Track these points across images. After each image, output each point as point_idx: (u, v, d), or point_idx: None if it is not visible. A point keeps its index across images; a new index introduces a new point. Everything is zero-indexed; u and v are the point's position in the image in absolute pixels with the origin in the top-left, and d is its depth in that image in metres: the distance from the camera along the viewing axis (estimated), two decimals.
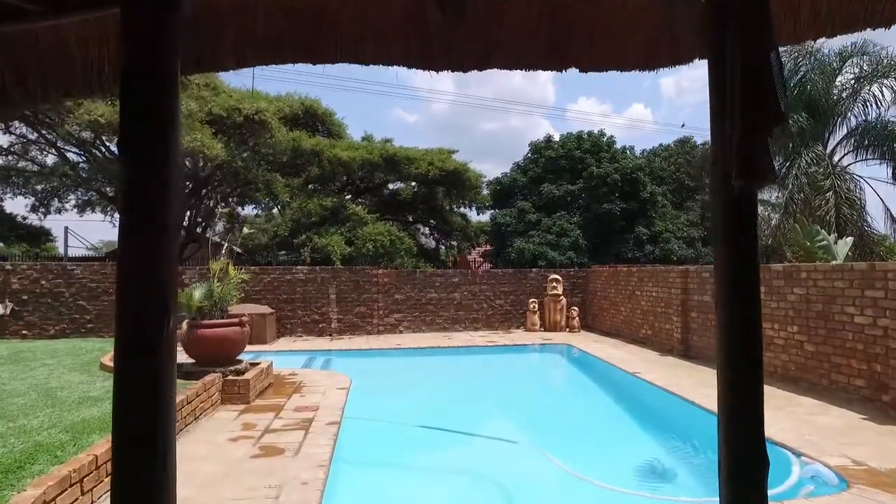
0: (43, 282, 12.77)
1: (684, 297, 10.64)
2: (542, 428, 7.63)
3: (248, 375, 7.18)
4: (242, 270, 7.99)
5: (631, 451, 6.38)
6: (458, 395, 9.55)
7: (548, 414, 8.27)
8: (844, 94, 18.52)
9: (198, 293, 7.49)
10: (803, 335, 7.58)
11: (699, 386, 7.85)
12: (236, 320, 7.47)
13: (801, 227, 10.35)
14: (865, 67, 17.73)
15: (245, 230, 8.67)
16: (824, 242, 9.96)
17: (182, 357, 7.66)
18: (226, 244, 8.51)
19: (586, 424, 7.78)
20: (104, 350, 10.14)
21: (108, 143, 19.97)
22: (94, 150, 20.32)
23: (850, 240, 11.04)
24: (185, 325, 7.32)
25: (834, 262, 7.32)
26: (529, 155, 26.35)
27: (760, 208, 33.35)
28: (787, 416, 6.22)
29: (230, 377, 7.13)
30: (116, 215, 24.36)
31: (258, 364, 7.98)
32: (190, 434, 5.63)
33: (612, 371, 9.70)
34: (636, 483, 5.21)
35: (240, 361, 7.77)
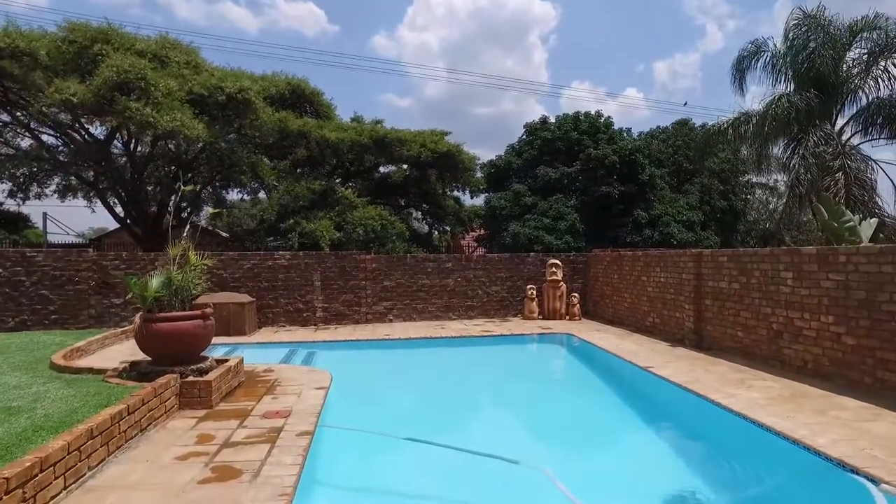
0: (0, 270, 11.76)
1: (697, 282, 9.77)
2: (545, 439, 6.76)
3: (210, 376, 6.26)
4: (207, 255, 7.00)
5: (651, 469, 5.49)
6: (450, 396, 8.66)
7: (551, 421, 7.38)
8: (855, 70, 17.58)
9: (155, 282, 6.53)
10: (841, 326, 6.72)
11: (723, 384, 6.98)
12: (198, 312, 6.53)
13: (826, 206, 9.47)
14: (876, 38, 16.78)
15: (210, 209, 7.63)
16: (851, 223, 9.11)
17: (139, 355, 6.76)
18: (188, 226, 7.54)
19: (595, 433, 6.91)
20: (63, 344, 9.22)
21: (86, 126, 18.91)
22: (71, 133, 19.26)
23: (874, 221, 10.20)
24: (137, 318, 6.38)
25: (882, 245, 6.42)
26: (524, 136, 25.41)
27: (759, 191, 32.83)
28: (833, 422, 5.36)
29: (190, 378, 6.22)
30: (98, 201, 23.36)
31: (226, 361, 7.07)
32: (131, 451, 4.71)
33: (621, 365, 8.83)
34: None
35: (204, 359, 6.85)
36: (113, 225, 24.11)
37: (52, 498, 3.65)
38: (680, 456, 5.75)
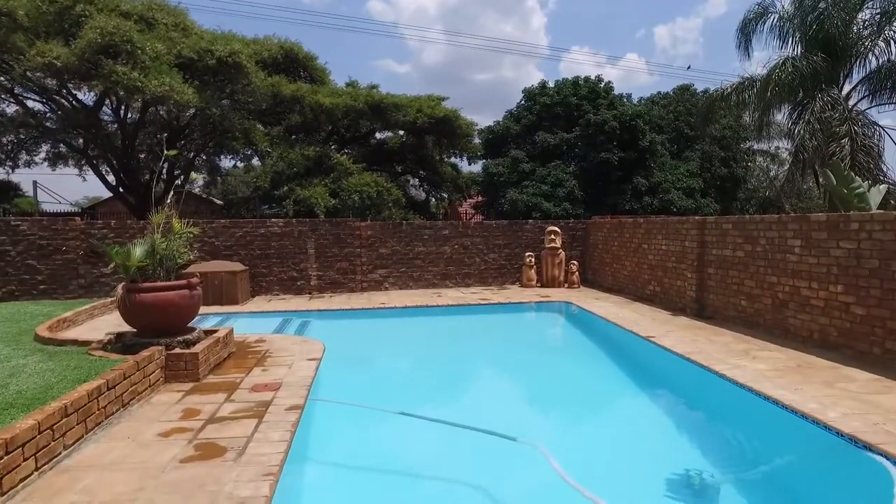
0: None
1: (701, 250, 9.52)
2: (543, 412, 6.59)
3: (197, 348, 6.04)
4: (192, 223, 6.72)
5: (653, 444, 5.31)
6: (446, 366, 8.48)
7: (549, 392, 7.21)
8: (866, 32, 17.03)
9: (139, 250, 6.25)
10: (850, 296, 6.49)
11: (727, 354, 6.78)
12: (184, 282, 6.27)
13: (834, 172, 9.15)
14: None
15: (192, 174, 7.30)
16: (860, 190, 8.81)
17: (126, 327, 6.52)
18: (172, 191, 7.23)
19: (594, 405, 6.74)
20: (51, 315, 9.00)
21: (73, 92, 18.34)
22: (58, 99, 18.69)
23: (883, 188, 9.87)
24: (120, 288, 6.12)
25: None
26: (523, 102, 24.88)
27: (759, 158, 32.41)
28: (842, 395, 5.16)
29: (176, 350, 5.99)
30: (88, 169, 22.88)
31: (215, 332, 6.84)
32: (112, 428, 4.50)
33: (621, 335, 8.63)
34: (662, 501, 4.11)
35: (192, 330, 6.62)
36: (107, 194, 23.69)
37: (22, 480, 3.44)
38: (683, 430, 5.58)
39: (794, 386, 5.44)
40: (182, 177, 22.59)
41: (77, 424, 4.08)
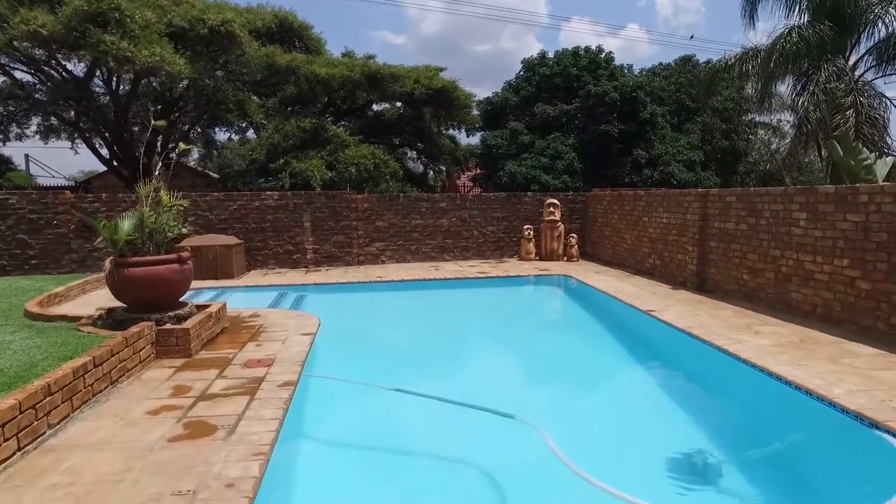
0: None
1: (703, 223, 9.36)
2: (541, 388, 6.50)
3: (188, 323, 5.90)
4: (181, 196, 6.53)
5: (654, 421, 5.22)
6: (443, 341, 8.39)
7: (548, 367, 7.13)
8: None
9: (127, 224, 6.09)
10: (856, 270, 6.35)
11: (729, 329, 6.67)
12: (174, 256, 6.11)
13: (842, 143, 8.94)
14: None
15: (181, 145, 7.08)
16: (868, 161, 8.62)
17: (116, 302, 6.38)
18: (159, 162, 7.03)
19: (593, 381, 6.66)
20: (42, 290, 8.86)
21: (63, 62, 17.90)
22: (47, 70, 18.26)
23: (889, 160, 9.68)
24: (108, 263, 5.96)
25: None
26: (522, 73, 24.43)
27: (760, 131, 32.02)
28: (847, 370, 5.05)
29: (167, 325, 5.86)
30: (81, 142, 22.50)
31: (207, 307, 6.70)
32: (100, 405, 4.39)
33: (621, 309, 8.51)
34: (663, 482, 4.01)
35: (184, 304, 6.49)
36: (102, 168, 23.37)
37: (4, 461, 3.33)
38: (683, 407, 5.47)
39: (797, 361, 5.34)
40: (183, 152, 22.26)
41: (62, 403, 3.96)
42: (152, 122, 8.02)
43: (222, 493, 3.12)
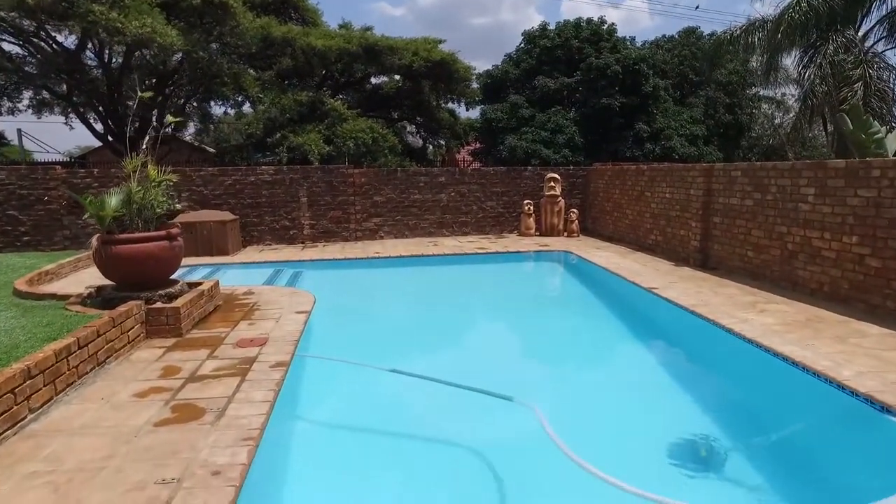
0: None
1: (707, 199, 9.15)
2: (541, 367, 6.37)
3: (179, 302, 5.75)
4: (170, 170, 6.32)
5: (656, 402, 5.08)
6: (441, 319, 8.24)
7: (548, 346, 6.99)
8: None
9: (114, 200, 5.89)
10: (865, 247, 6.18)
11: (733, 307, 6.52)
12: (163, 233, 5.93)
13: (852, 116, 8.70)
14: None
15: (169, 117, 6.84)
16: (879, 135, 8.39)
17: (106, 280, 6.21)
18: (148, 136, 6.81)
19: (594, 360, 6.53)
20: (34, 267, 8.70)
21: (53, 34, 17.47)
22: (37, 42, 17.83)
23: None
24: (95, 240, 5.78)
25: None
26: (522, 45, 23.92)
27: (764, 105, 31.55)
28: (856, 351, 4.91)
29: (157, 304, 5.71)
30: (74, 116, 22.13)
31: (199, 285, 6.54)
32: (86, 388, 4.25)
33: (623, 286, 8.35)
34: (664, 469, 3.88)
35: (175, 282, 6.32)
36: (99, 143, 23.03)
37: None
38: (687, 387, 5.35)
39: (804, 341, 5.19)
40: (171, 125, 21.93)
41: (44, 386, 3.82)
42: (139, 93, 7.77)
43: (208, 480, 2.98)
